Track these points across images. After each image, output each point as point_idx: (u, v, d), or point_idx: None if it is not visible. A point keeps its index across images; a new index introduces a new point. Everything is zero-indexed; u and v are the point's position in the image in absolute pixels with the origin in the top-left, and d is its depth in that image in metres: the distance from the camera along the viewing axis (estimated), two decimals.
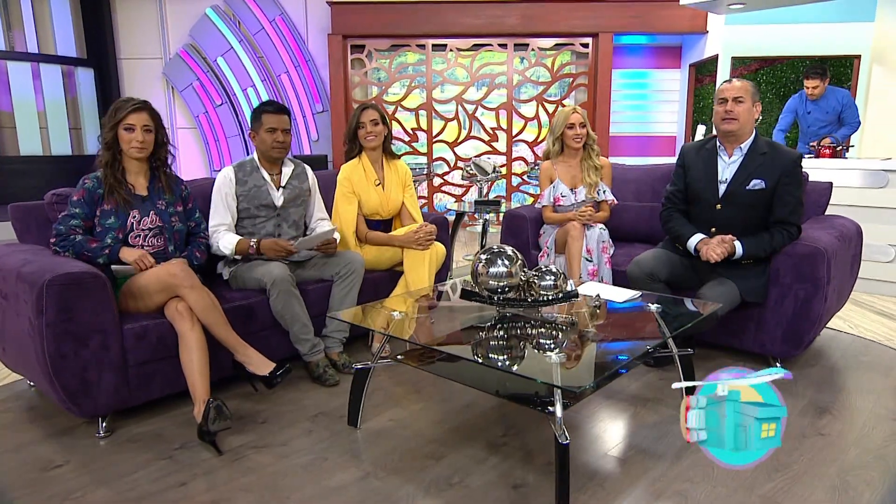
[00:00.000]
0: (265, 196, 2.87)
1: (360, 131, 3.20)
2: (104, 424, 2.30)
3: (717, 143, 2.84)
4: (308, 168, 3.07)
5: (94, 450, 2.21)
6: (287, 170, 2.97)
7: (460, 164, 7.34)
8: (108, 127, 2.47)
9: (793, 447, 2.17)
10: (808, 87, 5.25)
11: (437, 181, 7.54)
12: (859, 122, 5.27)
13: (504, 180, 7.39)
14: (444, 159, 7.44)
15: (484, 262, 2.28)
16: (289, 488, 1.97)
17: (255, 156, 2.92)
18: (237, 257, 2.84)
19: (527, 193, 7.59)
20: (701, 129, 6.48)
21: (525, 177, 7.35)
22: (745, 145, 2.75)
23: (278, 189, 2.91)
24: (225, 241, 2.77)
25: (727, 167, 2.79)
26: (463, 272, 4.94)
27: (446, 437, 2.28)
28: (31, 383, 2.76)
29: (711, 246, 2.71)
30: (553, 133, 3.52)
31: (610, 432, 2.35)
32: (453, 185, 7.59)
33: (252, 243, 2.78)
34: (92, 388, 2.21)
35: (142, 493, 1.95)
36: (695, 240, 2.81)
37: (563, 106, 7.25)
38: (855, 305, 3.96)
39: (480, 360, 2.05)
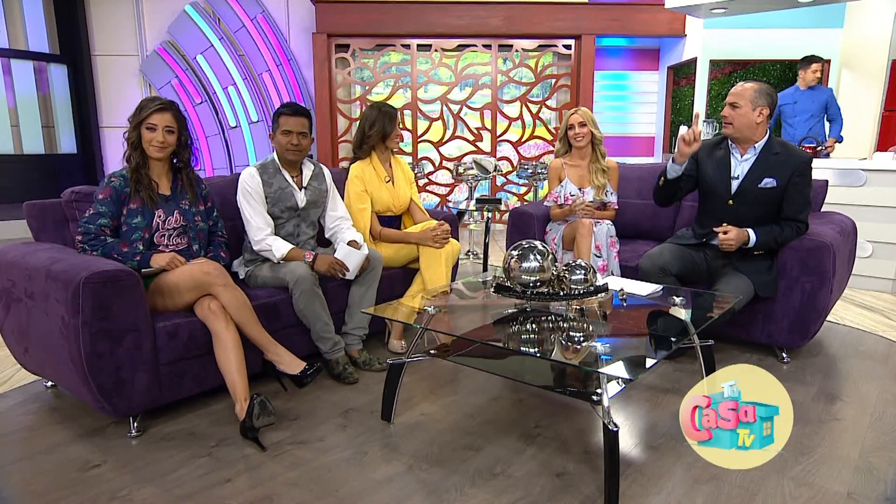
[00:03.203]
0: (290, 198, 2.87)
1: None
2: (136, 424, 2.28)
3: (730, 143, 2.95)
4: (325, 168, 3.07)
5: (129, 449, 2.19)
6: (307, 171, 2.96)
7: (446, 163, 7.38)
8: (131, 126, 2.46)
9: (813, 431, 2.28)
10: (812, 72, 5.29)
11: (422, 180, 7.55)
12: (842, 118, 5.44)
13: (488, 180, 7.45)
14: (428, 159, 7.47)
15: (516, 257, 2.33)
16: (336, 482, 1.99)
17: (276, 157, 2.90)
18: (255, 257, 2.84)
19: (510, 193, 7.68)
20: (683, 129, 6.65)
21: (513, 175, 7.41)
22: (759, 145, 2.86)
23: (300, 190, 2.91)
24: (277, 246, 2.75)
25: (739, 164, 2.90)
26: (463, 271, 4.97)
27: (481, 430, 2.32)
28: (49, 384, 2.71)
29: (682, 144, 2.84)
30: (560, 133, 3.63)
31: (636, 422, 2.42)
32: (438, 184, 7.62)
33: (307, 257, 2.75)
34: (125, 387, 2.19)
35: (188, 490, 1.94)
36: (670, 162, 2.94)
37: (547, 106, 7.41)
38: (839, 300, 4.13)
39: (533, 352, 2.11)
